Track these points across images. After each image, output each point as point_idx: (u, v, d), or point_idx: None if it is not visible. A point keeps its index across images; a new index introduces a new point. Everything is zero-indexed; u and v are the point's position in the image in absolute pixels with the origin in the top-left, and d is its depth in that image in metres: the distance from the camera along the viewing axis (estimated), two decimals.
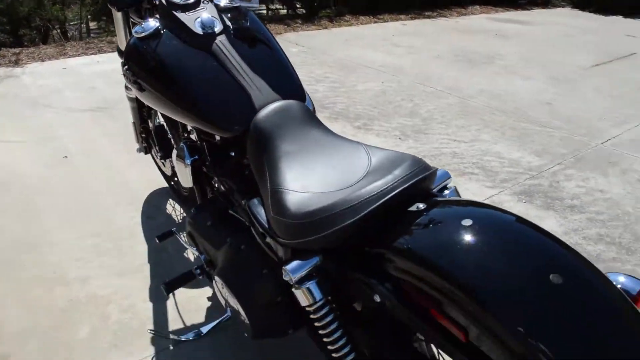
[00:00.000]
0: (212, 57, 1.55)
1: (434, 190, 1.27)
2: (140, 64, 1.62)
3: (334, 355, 1.20)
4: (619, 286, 0.98)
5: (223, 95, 1.50)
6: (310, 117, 1.47)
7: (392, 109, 3.86)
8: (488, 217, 1.01)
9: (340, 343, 1.19)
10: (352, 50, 5.31)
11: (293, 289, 1.17)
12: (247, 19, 1.68)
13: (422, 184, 1.15)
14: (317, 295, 1.16)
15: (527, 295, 0.87)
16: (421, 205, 1.09)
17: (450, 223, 1.00)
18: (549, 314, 0.85)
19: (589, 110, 3.87)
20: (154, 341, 1.85)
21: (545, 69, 4.70)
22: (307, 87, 4.15)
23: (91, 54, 5.13)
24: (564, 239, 2.38)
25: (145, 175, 2.88)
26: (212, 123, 1.50)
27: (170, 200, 2.70)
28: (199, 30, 1.57)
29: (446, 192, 1.32)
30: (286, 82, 1.59)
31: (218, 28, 1.59)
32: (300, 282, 1.16)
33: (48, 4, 5.87)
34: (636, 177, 2.98)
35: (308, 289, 1.16)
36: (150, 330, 1.86)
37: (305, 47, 5.42)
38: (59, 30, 6.33)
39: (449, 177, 1.34)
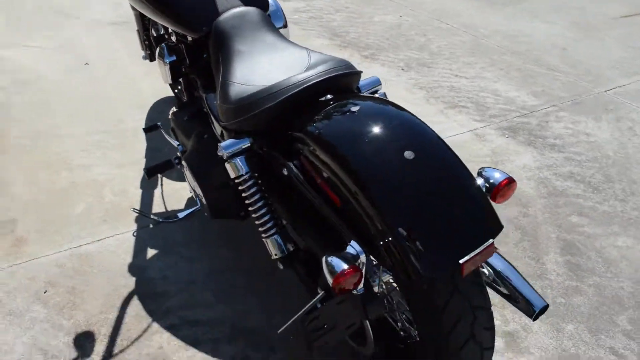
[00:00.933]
0: None
1: (363, 92, 1.44)
2: None
3: (257, 223, 1.42)
4: (490, 180, 1.14)
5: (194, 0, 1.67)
6: (265, 24, 1.62)
7: (403, 42, 3.92)
8: (370, 107, 1.18)
9: (261, 212, 1.39)
10: None
11: (226, 164, 1.38)
12: None
13: (340, 81, 1.31)
14: (243, 168, 1.36)
15: (384, 169, 1.05)
16: (329, 96, 1.26)
17: (342, 111, 1.18)
18: (398, 183, 1.03)
19: (603, 58, 3.84)
20: (137, 220, 2.11)
21: (569, 15, 4.61)
22: (325, 17, 4.24)
23: None
24: (535, 173, 2.52)
25: (157, 85, 3.09)
26: (181, 24, 1.68)
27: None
28: None
29: (380, 93, 1.49)
30: None
31: None
32: (231, 157, 1.36)
33: None
34: (629, 125, 3.02)
35: (235, 163, 1.36)
36: (135, 209, 2.11)
37: None
38: None
39: (379, 84, 1.50)
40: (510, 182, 1.15)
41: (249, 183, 1.38)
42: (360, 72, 1.39)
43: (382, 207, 1.02)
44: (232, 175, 1.39)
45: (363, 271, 1.05)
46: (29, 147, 2.54)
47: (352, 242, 1.08)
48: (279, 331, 1.08)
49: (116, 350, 1.61)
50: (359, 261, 1.07)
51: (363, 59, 3.61)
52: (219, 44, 1.57)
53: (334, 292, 1.03)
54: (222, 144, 1.36)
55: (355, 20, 4.31)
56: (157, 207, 2.19)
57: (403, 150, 1.06)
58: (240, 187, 1.40)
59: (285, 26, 1.98)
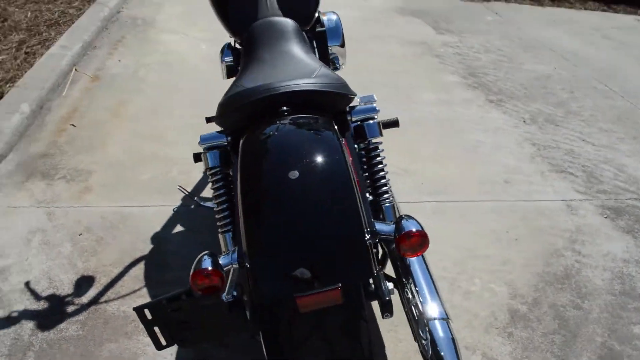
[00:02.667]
0: None
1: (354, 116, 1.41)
2: None
3: (216, 217, 1.46)
4: (399, 227, 1.06)
5: (241, 3, 1.76)
6: (293, 35, 1.65)
7: (541, 94, 3.61)
8: (294, 127, 1.16)
9: (220, 207, 1.44)
10: (548, 32, 4.92)
11: (202, 154, 1.45)
12: None
13: (315, 97, 1.29)
14: (212, 162, 1.42)
15: (265, 188, 1.04)
16: (284, 108, 1.26)
17: (272, 127, 1.18)
18: (272, 202, 1.01)
19: None
20: (184, 199, 2.29)
21: None
22: (471, 55, 4.09)
23: None
24: (618, 265, 2.15)
25: None
26: (226, 26, 1.79)
27: None
28: None
29: (369, 122, 1.45)
30: (296, 4, 1.77)
31: None
32: (207, 150, 1.43)
33: None
34: None
35: (208, 155, 1.42)
36: (180, 187, 2.30)
37: (501, 18, 5.19)
38: None
39: (374, 112, 1.45)
40: (422, 236, 1.05)
41: (216, 177, 1.44)
42: (346, 94, 1.36)
43: (250, 223, 1.01)
44: (204, 167, 1.46)
45: (227, 280, 1.05)
46: (139, 118, 2.91)
47: (237, 251, 1.08)
48: (133, 307, 1.12)
49: (102, 299, 1.79)
50: (228, 268, 1.06)
51: (486, 103, 3.42)
52: (246, 49, 1.66)
53: (193, 288, 1.04)
54: (202, 136, 1.43)
55: (502, 64, 4.08)
56: (206, 192, 2.35)
57: (289, 171, 1.03)
58: (209, 180, 1.46)
59: (342, 45, 1.99)
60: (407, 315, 1.39)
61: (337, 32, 1.97)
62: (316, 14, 1.87)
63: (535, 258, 2.16)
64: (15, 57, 3.26)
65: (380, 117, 2.63)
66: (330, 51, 1.98)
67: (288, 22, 1.68)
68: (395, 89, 3.51)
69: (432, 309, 1.32)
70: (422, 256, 1.48)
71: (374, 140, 1.47)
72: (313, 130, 1.18)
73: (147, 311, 1.10)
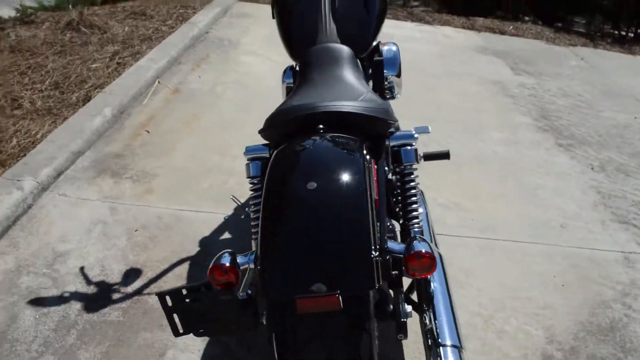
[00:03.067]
0: (321, 1, 1.89)
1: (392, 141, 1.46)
2: None
3: (251, 224, 1.54)
4: (409, 247, 1.09)
5: (302, 28, 1.86)
6: (347, 62, 1.71)
7: (616, 143, 3.46)
8: (325, 144, 1.22)
9: (256, 215, 1.51)
10: (636, 81, 4.70)
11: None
12: None
13: (359, 120, 1.34)
14: (253, 172, 1.50)
15: (286, 194, 1.10)
16: (321, 127, 1.32)
17: (305, 142, 1.24)
18: (288, 207, 1.08)
19: None
20: (236, 209, 2.41)
21: None
22: (547, 98, 4.00)
23: (388, 17, 5.82)
24: None
25: None
26: (286, 49, 1.89)
27: None
28: None
29: (406, 148, 1.48)
30: (355, 33, 1.83)
31: None
32: (251, 160, 1.52)
33: None
34: None
35: (249, 165, 1.51)
36: (233, 197, 2.41)
37: (586, 64, 5.03)
38: None
39: (413, 138, 1.48)
40: (430, 258, 1.07)
41: (255, 187, 1.52)
42: (385, 119, 1.41)
43: (265, 226, 1.07)
44: (246, 177, 1.55)
45: (244, 278, 1.12)
46: (209, 131, 3.09)
47: (255, 252, 1.15)
48: (155, 292, 1.20)
49: (145, 291, 1.92)
50: (245, 267, 1.13)
51: (554, 146, 3.32)
52: (301, 71, 1.74)
53: (210, 281, 1.12)
54: (247, 146, 1.53)
55: (579, 109, 3.95)
56: None
57: (309, 182, 1.09)
58: (249, 189, 1.55)
59: (398, 75, 2.03)
60: (423, 340, 1.39)
61: (394, 62, 2.01)
62: (374, 43, 1.93)
63: (580, 306, 2.07)
64: (108, 66, 3.58)
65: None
66: (387, 80, 2.02)
67: (343, 49, 1.75)
68: (462, 125, 3.49)
69: (445, 336, 1.32)
70: (446, 283, 1.48)
71: (409, 166, 1.50)
72: (340, 148, 1.23)
73: (168, 298, 1.19)
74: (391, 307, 1.37)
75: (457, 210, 2.59)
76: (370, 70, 1.98)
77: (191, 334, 1.22)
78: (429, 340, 1.34)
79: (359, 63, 1.78)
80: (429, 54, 4.87)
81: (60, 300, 1.85)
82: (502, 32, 5.83)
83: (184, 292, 1.18)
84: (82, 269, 1.99)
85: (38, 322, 1.77)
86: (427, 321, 1.38)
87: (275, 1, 2.01)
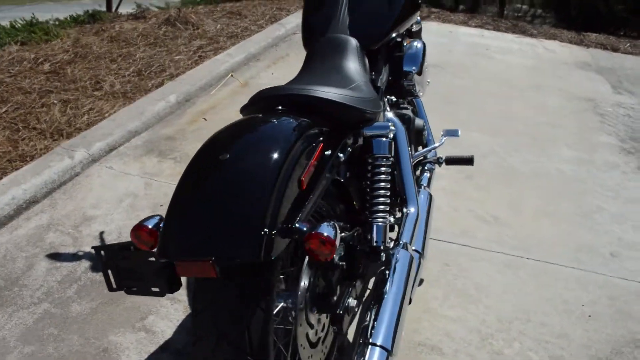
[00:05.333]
0: None
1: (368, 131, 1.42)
2: None
3: None
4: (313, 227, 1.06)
5: (317, 18, 1.85)
6: (351, 52, 1.67)
7: None
8: (252, 123, 1.21)
9: None
10: None
11: None
12: None
13: (325, 105, 1.32)
14: None
15: (199, 163, 1.11)
16: (279, 107, 1.31)
17: (246, 119, 1.25)
18: (196, 174, 1.09)
19: None
20: None
21: None
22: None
23: (488, 29, 5.58)
24: None
25: None
26: (302, 37, 1.89)
27: None
28: None
29: (378, 139, 1.43)
30: (367, 25, 1.78)
31: None
32: None
33: None
34: None
35: None
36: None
37: None
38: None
39: (386, 130, 1.42)
40: (328, 243, 1.02)
41: None
42: (355, 108, 1.36)
43: (175, 190, 1.09)
44: None
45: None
46: None
47: None
48: (92, 246, 1.26)
49: None
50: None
51: (635, 170, 2.97)
52: (306, 61, 1.74)
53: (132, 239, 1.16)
54: None
55: None
56: None
57: (226, 153, 1.08)
58: None
59: (419, 73, 1.94)
60: (354, 336, 1.32)
61: (414, 58, 1.93)
62: (390, 37, 1.86)
63: (603, 341, 1.83)
64: (190, 59, 3.82)
65: (499, 164, 2.55)
66: (407, 77, 1.94)
67: (348, 40, 1.71)
68: (531, 139, 3.25)
69: (379, 336, 1.25)
70: (405, 287, 1.40)
71: (380, 157, 1.44)
72: (277, 127, 1.21)
73: (102, 252, 1.25)
74: (335, 298, 1.33)
75: (493, 225, 2.41)
76: (387, 65, 1.92)
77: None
78: (360, 338, 1.27)
79: (365, 55, 1.74)
80: (521, 66, 4.59)
81: (73, 257, 2.02)
82: (615, 49, 5.33)
83: (116, 248, 1.23)
84: (101, 233, 2.14)
85: (48, 273, 1.94)
86: (367, 318, 1.31)
87: None
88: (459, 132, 2.17)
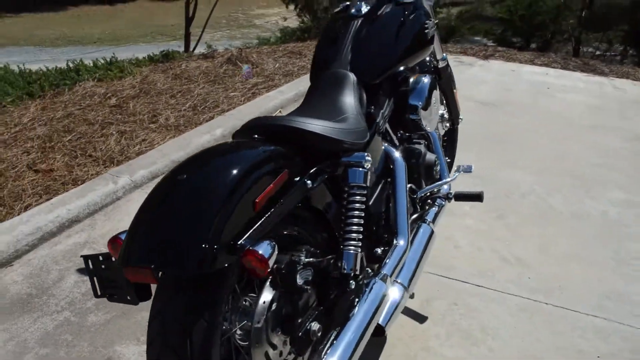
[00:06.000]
0: (347, 28, 1.96)
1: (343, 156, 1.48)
2: None
3: None
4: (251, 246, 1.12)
5: (323, 54, 1.93)
6: (349, 88, 1.73)
7: None
8: (221, 149, 1.30)
9: None
10: None
11: None
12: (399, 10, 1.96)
13: (306, 136, 1.39)
14: None
15: (163, 182, 1.21)
16: (255, 135, 1.40)
17: (219, 145, 1.34)
18: (157, 195, 1.19)
19: None
20: None
21: None
22: None
23: (554, 67, 5.43)
24: None
25: None
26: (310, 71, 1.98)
27: None
28: (353, 11, 2.00)
29: (354, 168, 1.47)
30: (368, 60, 1.83)
31: (357, 10, 1.97)
32: None
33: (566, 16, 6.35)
34: None
35: None
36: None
37: None
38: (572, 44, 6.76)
39: (362, 160, 1.47)
40: (260, 261, 1.08)
41: None
42: (331, 138, 1.42)
43: (141, 204, 1.20)
44: None
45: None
46: None
47: None
48: (81, 255, 1.37)
49: None
50: None
51: None
52: (306, 95, 1.83)
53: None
54: None
55: None
56: None
57: (187, 174, 1.18)
58: None
59: (424, 108, 1.96)
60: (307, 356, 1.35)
61: (420, 93, 1.96)
62: (389, 73, 1.89)
63: None
64: (243, 95, 4.04)
65: (537, 204, 2.48)
66: (413, 113, 1.97)
67: (347, 75, 1.78)
68: (579, 180, 3.11)
69: (333, 358, 1.27)
70: (371, 318, 1.41)
71: (355, 187, 1.47)
72: (243, 154, 1.29)
73: (89, 261, 1.37)
74: (299, 321, 1.36)
75: (515, 266, 2.33)
76: (391, 99, 1.96)
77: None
78: (314, 355, 1.30)
79: (362, 89, 1.79)
80: (584, 105, 4.42)
81: None
82: None
83: (100, 258, 1.35)
84: None
85: (75, 285, 2.12)
86: (325, 343, 1.34)
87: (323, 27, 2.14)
88: (472, 167, 2.16)
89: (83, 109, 3.67)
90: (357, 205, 1.47)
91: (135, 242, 1.12)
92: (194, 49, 6.41)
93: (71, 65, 4.81)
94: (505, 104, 4.39)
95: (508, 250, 2.43)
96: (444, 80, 2.65)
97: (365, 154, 1.50)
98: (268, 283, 1.32)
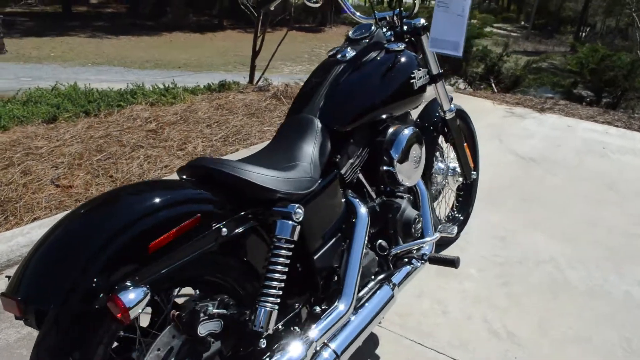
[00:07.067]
0: (328, 73, 1.91)
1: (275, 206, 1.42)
2: None
3: None
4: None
5: (300, 98, 1.89)
6: (311, 134, 1.68)
7: None
8: (134, 189, 1.28)
9: None
10: None
11: None
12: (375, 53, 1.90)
13: (244, 185, 1.35)
14: None
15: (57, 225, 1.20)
16: (184, 176, 1.39)
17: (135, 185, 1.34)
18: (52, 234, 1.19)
19: None
20: None
21: None
22: None
23: (617, 126, 5.07)
24: None
25: None
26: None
27: None
28: (339, 56, 1.95)
29: (282, 221, 1.41)
30: (338, 107, 1.77)
31: (342, 56, 1.92)
32: None
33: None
34: None
35: None
36: None
37: None
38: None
39: (291, 212, 1.40)
40: (120, 308, 1.05)
41: None
42: (260, 187, 1.37)
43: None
44: None
45: None
46: None
47: None
48: (5, 275, 1.40)
49: None
50: None
51: None
52: (273, 137, 1.79)
53: None
54: None
55: None
56: None
57: (82, 210, 1.18)
58: None
59: (400, 161, 1.87)
60: None
61: (397, 146, 1.87)
62: (361, 120, 1.82)
63: None
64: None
65: (551, 275, 2.41)
66: (388, 165, 1.88)
67: (311, 121, 1.72)
68: (609, 251, 2.85)
69: None
70: None
71: (281, 240, 1.40)
72: (154, 195, 1.26)
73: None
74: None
75: (505, 341, 2.13)
76: (365, 149, 1.88)
77: None
78: None
79: (328, 136, 1.73)
80: (638, 170, 4.07)
81: None
82: None
83: None
84: None
85: None
86: None
87: None
88: (455, 229, 2.02)
89: (122, 131, 3.85)
90: (281, 259, 1.40)
91: (16, 275, 1.12)
92: (258, 81, 6.58)
93: (131, 87, 5.10)
94: (546, 161, 4.14)
95: (501, 322, 2.24)
96: (452, 133, 2.54)
97: (297, 205, 1.43)
98: (167, 329, 1.28)
